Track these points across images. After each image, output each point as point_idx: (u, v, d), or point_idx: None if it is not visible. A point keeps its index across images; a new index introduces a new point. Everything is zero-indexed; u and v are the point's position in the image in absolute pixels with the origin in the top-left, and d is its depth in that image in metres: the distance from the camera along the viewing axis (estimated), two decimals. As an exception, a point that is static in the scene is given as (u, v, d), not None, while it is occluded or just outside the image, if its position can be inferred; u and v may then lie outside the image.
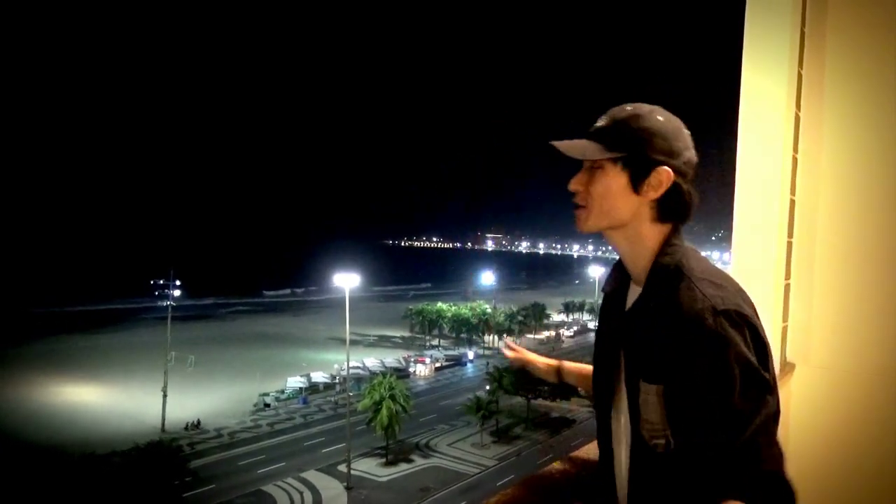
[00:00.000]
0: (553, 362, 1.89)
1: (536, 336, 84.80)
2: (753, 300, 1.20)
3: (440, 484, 37.29)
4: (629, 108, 1.22)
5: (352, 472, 37.25)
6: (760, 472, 1.09)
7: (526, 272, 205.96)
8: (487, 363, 65.04)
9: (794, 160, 2.72)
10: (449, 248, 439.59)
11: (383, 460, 40.03)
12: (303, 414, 49.65)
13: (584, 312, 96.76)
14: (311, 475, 37.88)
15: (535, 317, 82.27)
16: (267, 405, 50.68)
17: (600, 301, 1.47)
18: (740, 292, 1.17)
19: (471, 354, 71.78)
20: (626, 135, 1.19)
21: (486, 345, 77.92)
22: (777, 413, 1.14)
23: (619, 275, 1.35)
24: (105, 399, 49.94)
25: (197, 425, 44.88)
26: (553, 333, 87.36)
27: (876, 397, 2.73)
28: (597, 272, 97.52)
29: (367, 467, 39.14)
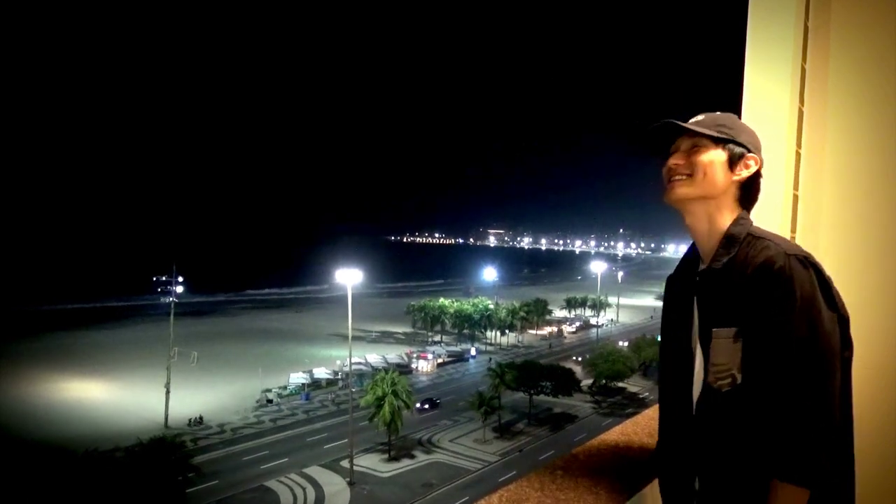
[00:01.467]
0: None
1: (538, 332, 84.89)
2: None
3: (442, 479, 37.38)
4: (724, 114, 1.52)
5: (354, 467, 37.33)
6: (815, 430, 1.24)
7: (528, 268, 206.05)
8: (490, 359, 65.12)
9: (798, 155, 2.71)
10: (451, 244, 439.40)
11: (386, 456, 40.13)
12: (305, 410, 49.75)
13: (586, 308, 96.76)
14: (314, 471, 37.99)
15: (537, 312, 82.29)
16: (269, 401, 50.79)
17: (660, 294, 1.65)
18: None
19: (473, 350, 71.86)
20: (723, 125, 1.47)
21: (488, 341, 78.03)
22: (841, 351, 1.31)
23: (685, 265, 1.58)
24: (108, 395, 50.09)
25: (200, 421, 45.02)
26: (555, 329, 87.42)
27: (879, 393, 2.73)
28: (599, 268, 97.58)
29: (370, 463, 39.24)
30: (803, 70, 2.69)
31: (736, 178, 1.46)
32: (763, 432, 1.28)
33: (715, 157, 1.45)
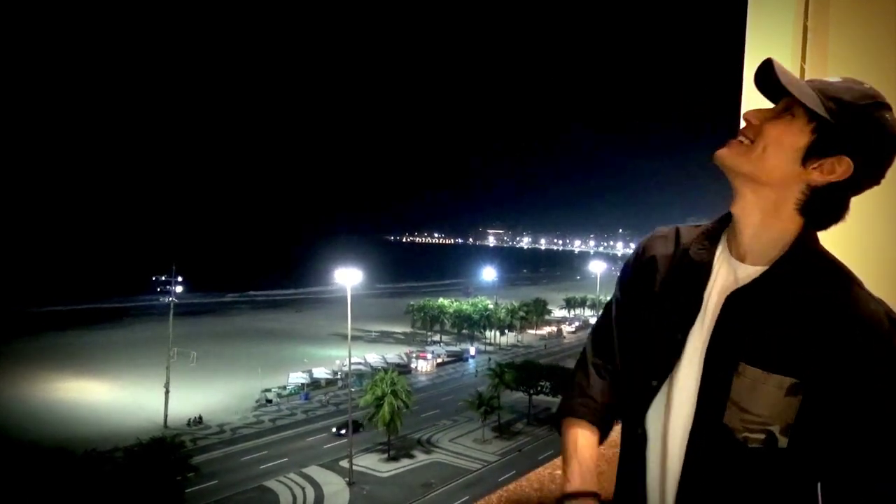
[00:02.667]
0: None
1: (538, 332, 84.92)
2: None
3: (442, 479, 37.39)
4: (873, 92, 1.04)
5: (354, 467, 37.34)
6: None
7: (527, 268, 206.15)
8: (489, 359, 65.13)
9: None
10: (450, 244, 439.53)
11: (385, 456, 40.13)
12: (304, 410, 49.76)
13: (586, 308, 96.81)
14: (313, 471, 37.99)
15: (536, 312, 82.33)
16: (269, 401, 50.79)
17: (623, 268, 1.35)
18: None
19: (472, 350, 71.88)
20: (848, 108, 1.02)
21: (487, 340, 78.04)
22: None
23: (700, 245, 1.19)
24: (107, 395, 50.07)
25: (199, 421, 45.00)
26: (555, 329, 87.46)
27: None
28: (598, 268, 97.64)
29: (369, 463, 39.24)
30: (802, 70, 2.69)
31: (808, 176, 1.05)
32: None
33: (790, 136, 1.04)
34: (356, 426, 41.09)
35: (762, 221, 1.09)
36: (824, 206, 1.08)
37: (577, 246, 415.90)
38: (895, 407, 0.97)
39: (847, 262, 1.20)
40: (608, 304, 1.41)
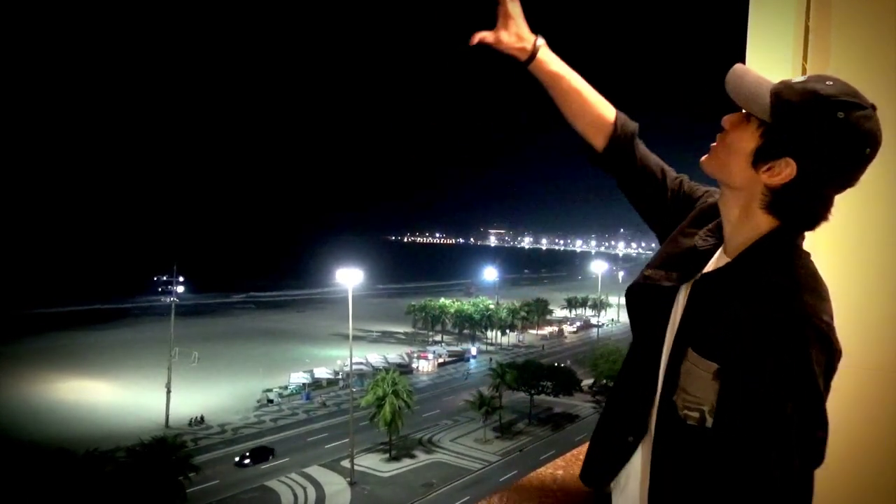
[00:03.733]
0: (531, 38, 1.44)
1: (539, 331, 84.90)
2: None
3: (443, 479, 37.39)
4: (824, 85, 1.03)
5: (355, 467, 37.35)
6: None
7: (528, 268, 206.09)
8: (490, 359, 65.12)
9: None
10: (452, 244, 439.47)
11: (386, 456, 40.14)
12: (306, 410, 49.78)
13: (587, 308, 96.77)
14: (315, 471, 38.01)
15: (537, 312, 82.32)
16: (270, 401, 50.81)
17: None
18: (831, 314, 1.07)
19: (474, 350, 71.88)
20: (791, 109, 1.03)
21: (489, 340, 78.05)
22: (821, 448, 1.09)
23: (710, 233, 1.26)
24: (109, 395, 50.12)
25: (201, 421, 45.04)
26: (556, 329, 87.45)
27: (879, 394, 2.72)
28: (599, 268, 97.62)
29: (371, 463, 39.25)
30: (804, 70, 2.68)
31: (761, 179, 1.08)
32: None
33: (741, 142, 1.09)
34: (266, 453, 39.58)
35: (738, 218, 1.14)
36: (790, 206, 1.10)
37: (578, 246, 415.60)
38: (780, 399, 1.01)
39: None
40: None
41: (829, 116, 1.01)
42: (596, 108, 1.46)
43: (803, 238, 1.18)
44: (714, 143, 1.15)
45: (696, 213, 1.36)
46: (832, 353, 1.03)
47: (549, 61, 1.44)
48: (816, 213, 1.11)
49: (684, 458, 1.15)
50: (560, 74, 1.45)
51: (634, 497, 1.26)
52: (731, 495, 1.06)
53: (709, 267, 1.20)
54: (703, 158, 1.16)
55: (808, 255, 1.15)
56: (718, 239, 1.23)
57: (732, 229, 1.16)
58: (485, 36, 1.39)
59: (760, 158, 1.07)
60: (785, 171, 1.05)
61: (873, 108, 1.04)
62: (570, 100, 1.46)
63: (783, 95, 1.04)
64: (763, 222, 1.12)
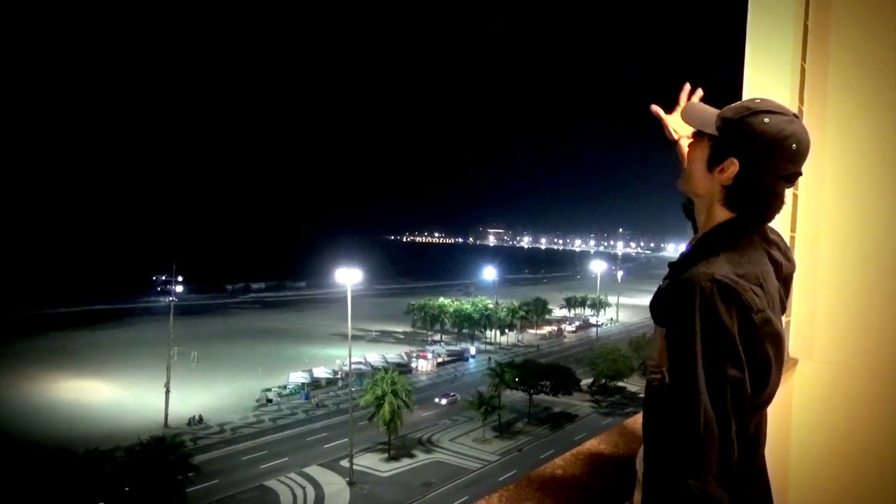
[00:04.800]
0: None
1: (538, 331, 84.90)
2: None
3: (442, 479, 37.39)
4: (755, 103, 1.34)
5: (354, 467, 37.33)
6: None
7: (528, 267, 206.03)
8: (489, 358, 65.13)
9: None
10: (451, 243, 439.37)
11: (385, 455, 40.14)
12: (305, 409, 49.76)
13: (586, 307, 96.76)
14: (314, 470, 38.00)
15: (536, 312, 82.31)
16: (269, 401, 50.79)
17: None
18: (759, 285, 1.27)
19: (473, 350, 71.87)
20: (730, 121, 1.34)
21: (488, 340, 78.05)
22: (750, 395, 1.22)
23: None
24: (108, 395, 50.10)
25: (200, 420, 45.03)
26: (555, 328, 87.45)
27: (879, 393, 2.72)
28: (598, 267, 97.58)
29: (370, 462, 39.24)
30: (803, 69, 2.68)
31: (717, 179, 1.35)
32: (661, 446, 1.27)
33: (699, 152, 1.39)
34: None
35: (704, 221, 1.42)
36: (741, 197, 1.36)
37: (577, 245, 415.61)
38: (678, 346, 1.23)
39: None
40: None
41: (758, 120, 1.31)
42: None
43: (766, 229, 1.43)
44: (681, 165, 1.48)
45: None
46: (738, 301, 1.22)
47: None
48: (766, 203, 1.37)
49: (654, 417, 1.38)
50: None
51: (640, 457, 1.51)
52: (666, 439, 1.24)
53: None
54: (678, 181, 1.46)
55: (751, 236, 1.38)
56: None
57: (700, 231, 1.44)
58: (658, 111, 1.76)
59: (713, 162, 1.36)
60: (731, 168, 1.33)
61: (796, 116, 1.34)
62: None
63: (725, 114, 1.36)
64: (721, 217, 1.39)
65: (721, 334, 1.19)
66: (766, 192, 1.36)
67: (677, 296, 1.25)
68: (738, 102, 1.36)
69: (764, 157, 1.32)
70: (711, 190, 1.38)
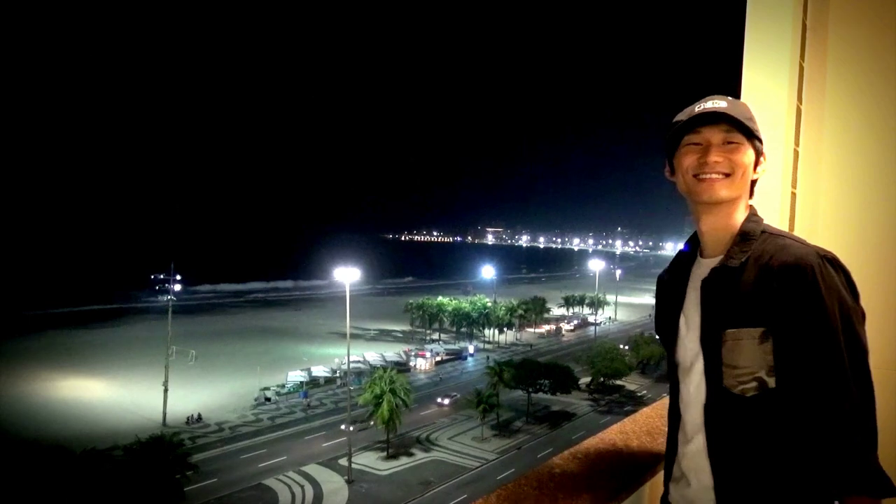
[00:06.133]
0: None
1: (536, 330, 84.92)
2: None
3: (441, 477, 37.40)
4: (741, 102, 1.43)
5: (353, 465, 37.33)
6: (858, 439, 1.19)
7: (526, 266, 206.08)
8: (488, 357, 65.14)
9: (796, 153, 2.70)
10: (449, 242, 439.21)
11: (384, 454, 40.13)
12: (303, 408, 49.76)
13: (585, 306, 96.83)
14: (312, 469, 37.98)
15: (535, 310, 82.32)
16: (268, 399, 50.76)
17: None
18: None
19: (471, 348, 71.88)
20: (750, 119, 1.40)
21: (486, 339, 78.06)
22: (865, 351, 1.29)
23: (678, 262, 1.58)
24: (106, 393, 50.04)
25: (198, 419, 45.01)
26: (553, 327, 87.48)
27: (879, 393, 2.72)
28: (597, 266, 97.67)
29: (368, 461, 39.24)
30: (801, 68, 2.68)
31: (754, 177, 1.44)
32: (821, 444, 1.20)
33: (748, 157, 1.40)
34: None
35: (726, 224, 1.43)
36: (753, 184, 1.46)
37: (576, 244, 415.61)
38: (824, 325, 1.23)
39: (845, 257, 1.35)
40: None
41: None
42: None
43: None
44: (710, 176, 1.40)
45: None
46: (843, 269, 1.31)
47: None
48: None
49: (747, 432, 1.30)
50: None
51: (699, 487, 1.40)
52: (808, 438, 1.22)
53: (702, 272, 1.44)
54: (718, 190, 1.40)
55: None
56: (683, 261, 1.56)
57: (721, 233, 1.44)
58: None
59: (757, 162, 1.43)
60: (762, 159, 1.44)
61: None
62: None
63: (744, 117, 1.39)
64: (743, 213, 1.43)
65: (847, 306, 1.25)
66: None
67: (791, 281, 1.24)
68: (729, 103, 1.41)
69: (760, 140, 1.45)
70: (746, 188, 1.43)
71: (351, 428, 39.64)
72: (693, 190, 1.41)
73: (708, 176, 1.38)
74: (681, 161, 1.43)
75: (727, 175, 1.38)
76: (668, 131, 1.47)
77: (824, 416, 1.20)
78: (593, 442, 2.19)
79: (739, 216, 1.42)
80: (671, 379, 1.54)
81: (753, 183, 1.44)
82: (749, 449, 1.29)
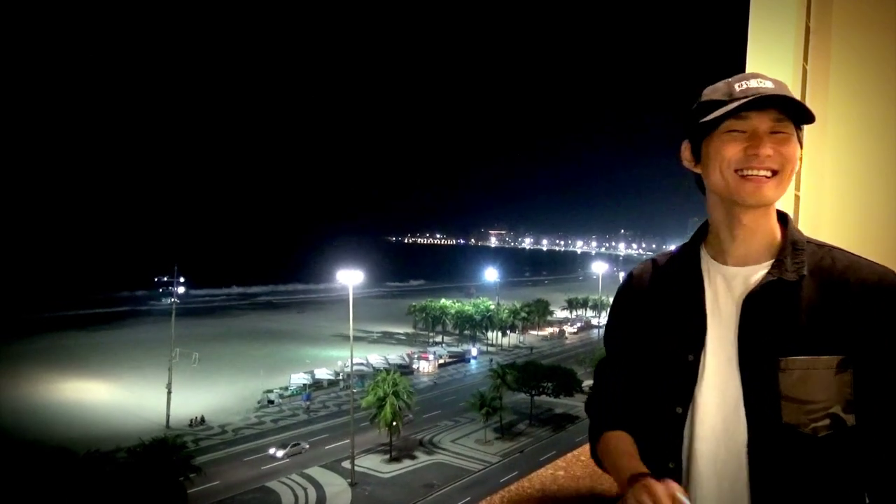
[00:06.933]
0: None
1: (540, 332, 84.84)
2: None
3: (444, 480, 37.36)
4: (782, 82, 1.16)
5: (356, 468, 37.32)
6: None
7: (529, 268, 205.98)
8: (491, 360, 65.06)
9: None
10: (452, 245, 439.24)
11: (387, 457, 40.10)
12: (306, 410, 49.76)
13: (588, 309, 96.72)
14: (315, 471, 37.98)
15: (538, 313, 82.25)
16: (271, 402, 50.79)
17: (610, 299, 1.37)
18: None
19: (474, 351, 71.82)
20: (802, 110, 1.13)
21: (489, 341, 77.99)
22: None
23: (674, 268, 1.27)
24: (110, 395, 50.13)
25: (201, 421, 45.04)
26: (556, 330, 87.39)
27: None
28: (600, 268, 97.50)
29: (371, 464, 39.21)
30: (804, 70, 2.68)
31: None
32: None
33: (797, 152, 1.15)
34: None
35: (763, 224, 1.18)
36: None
37: (579, 247, 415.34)
38: None
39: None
40: (602, 362, 1.42)
41: None
42: None
43: None
44: (759, 174, 1.13)
45: None
46: None
47: None
48: None
49: (807, 475, 1.07)
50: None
51: None
52: (886, 484, 1.03)
53: (737, 284, 1.18)
54: (766, 192, 1.13)
55: None
56: (695, 263, 1.26)
57: (754, 236, 1.18)
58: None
59: (799, 155, 1.16)
60: (799, 151, 1.17)
61: None
62: None
63: (794, 100, 1.12)
64: (773, 215, 1.19)
65: None
66: None
67: (879, 304, 1.05)
68: (776, 83, 1.15)
69: None
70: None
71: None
72: (735, 188, 1.13)
73: (756, 173, 1.11)
74: (719, 150, 1.14)
75: (775, 172, 1.12)
76: (695, 111, 1.19)
77: None
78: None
79: (774, 219, 1.19)
80: (649, 417, 1.21)
81: None
82: (802, 495, 1.07)
